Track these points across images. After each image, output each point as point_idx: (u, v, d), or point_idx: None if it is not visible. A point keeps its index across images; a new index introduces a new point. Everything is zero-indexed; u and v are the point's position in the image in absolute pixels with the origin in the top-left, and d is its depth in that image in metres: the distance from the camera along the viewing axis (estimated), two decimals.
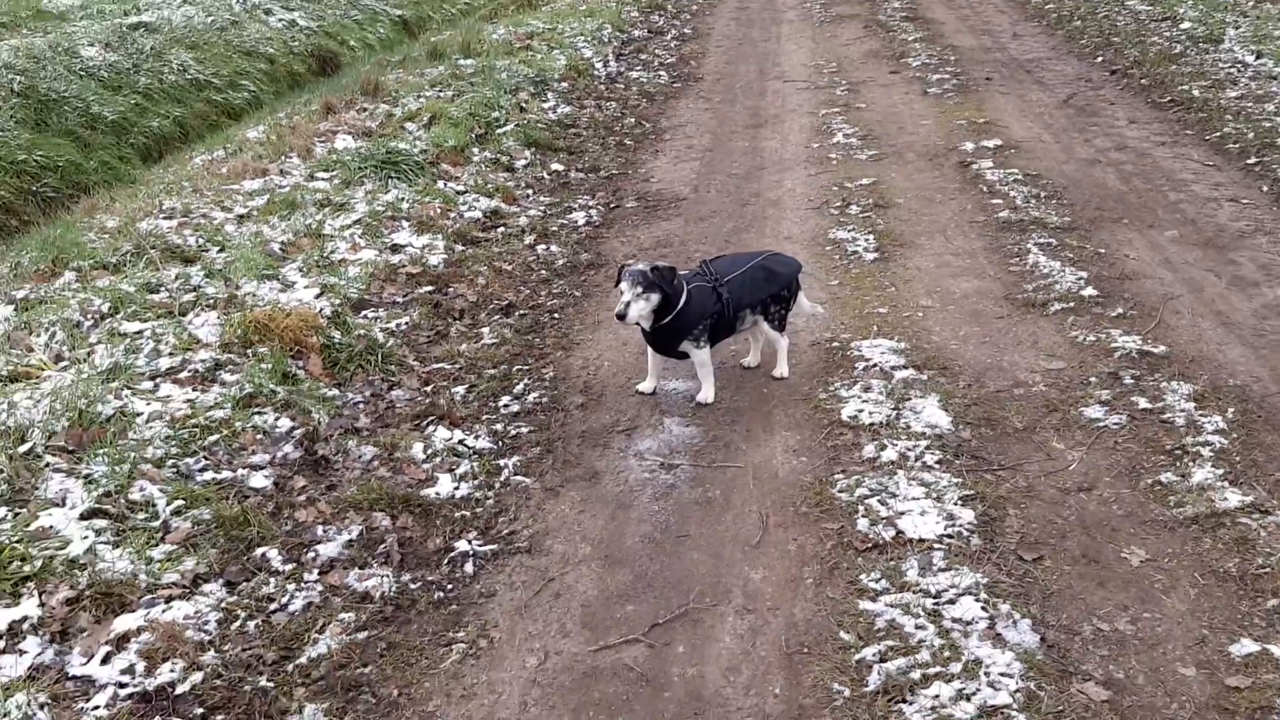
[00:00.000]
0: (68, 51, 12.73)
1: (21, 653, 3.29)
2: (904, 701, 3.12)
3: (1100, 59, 11.18)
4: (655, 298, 4.57)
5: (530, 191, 7.69)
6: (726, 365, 5.23)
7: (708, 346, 4.83)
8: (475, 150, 8.12)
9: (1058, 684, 3.17)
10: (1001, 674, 3.19)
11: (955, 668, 3.21)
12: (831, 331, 5.49)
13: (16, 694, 3.11)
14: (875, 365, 5.10)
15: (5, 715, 3.03)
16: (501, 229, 6.91)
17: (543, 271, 6.41)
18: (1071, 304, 5.64)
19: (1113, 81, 10.32)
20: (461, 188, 7.39)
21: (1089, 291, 5.76)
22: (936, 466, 4.26)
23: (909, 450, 4.37)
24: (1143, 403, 4.65)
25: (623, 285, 4.54)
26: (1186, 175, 7.61)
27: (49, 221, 8.86)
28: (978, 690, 3.13)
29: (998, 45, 12.32)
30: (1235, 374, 4.88)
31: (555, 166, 8.23)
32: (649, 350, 4.95)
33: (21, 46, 12.47)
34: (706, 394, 4.92)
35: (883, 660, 3.28)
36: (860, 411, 4.69)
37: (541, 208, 7.41)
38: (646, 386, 5.04)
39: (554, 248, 6.72)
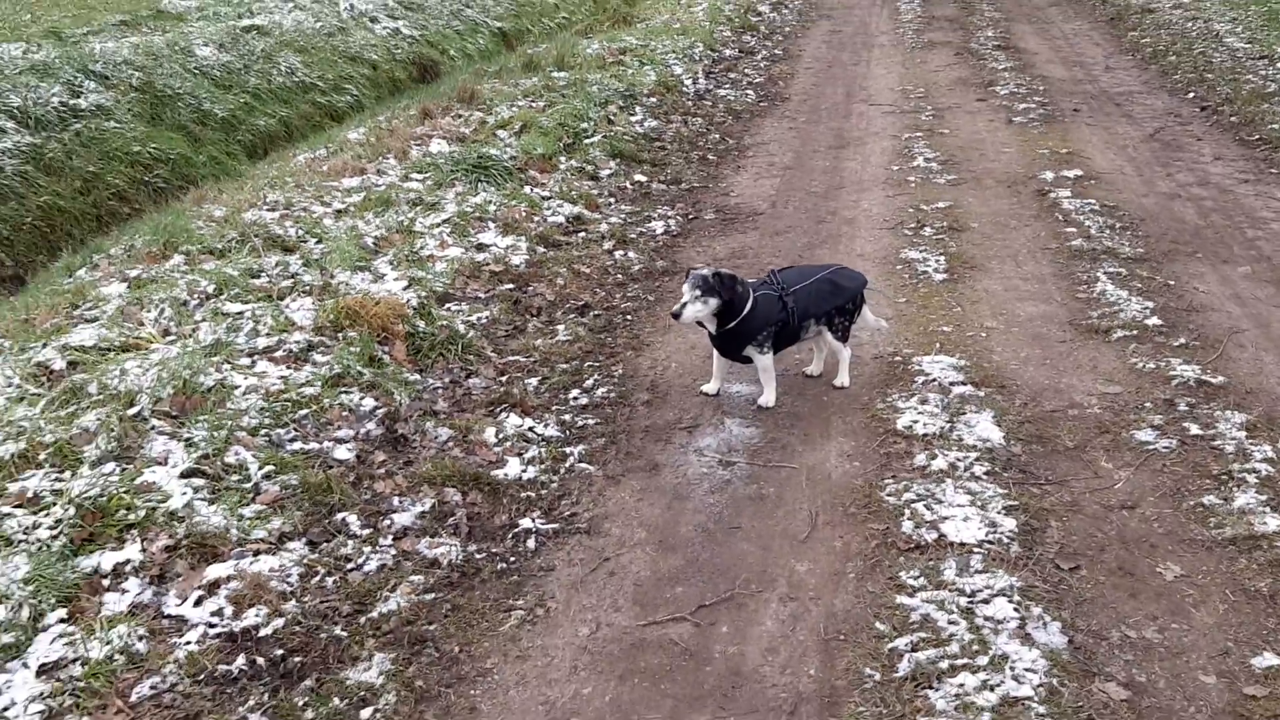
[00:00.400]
0: (184, 51, 13.34)
1: (124, 591, 3.62)
2: (930, 688, 3.30)
3: (1191, 94, 11.14)
4: (713, 302, 4.79)
5: (612, 200, 7.97)
6: (789, 373, 5.43)
7: (771, 352, 5.04)
8: (563, 159, 8.43)
9: (1080, 682, 3.32)
10: (1026, 669, 3.35)
11: (982, 661, 3.38)
12: (895, 346, 5.66)
13: (119, 625, 3.43)
14: (934, 380, 5.26)
15: (108, 644, 3.36)
16: (582, 234, 7.20)
17: (619, 276, 6.67)
18: (1135, 332, 5.73)
19: (1202, 118, 10.30)
20: (547, 193, 7.70)
21: (1154, 321, 5.85)
22: (984, 477, 4.41)
23: (959, 461, 4.53)
24: (1194, 429, 4.75)
25: (684, 287, 4.78)
26: (1267, 213, 7.62)
27: (158, 210, 9.37)
28: (1002, 682, 3.29)
29: (1089, 77, 12.32)
30: None
31: (638, 177, 8.50)
32: (714, 353, 5.17)
33: (141, 44, 13.11)
34: (768, 398, 5.12)
35: (914, 650, 3.46)
36: (915, 422, 4.86)
37: (622, 216, 7.68)
38: (710, 388, 5.26)
39: (631, 254, 6.98)
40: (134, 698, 3.20)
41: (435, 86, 14.21)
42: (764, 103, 11.45)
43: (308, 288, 5.79)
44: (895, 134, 9.99)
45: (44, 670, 3.24)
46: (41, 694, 3.15)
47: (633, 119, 9.86)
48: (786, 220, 7.72)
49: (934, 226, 7.44)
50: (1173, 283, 6.41)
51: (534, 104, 9.79)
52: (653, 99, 10.59)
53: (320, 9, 16.53)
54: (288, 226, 6.70)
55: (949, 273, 6.65)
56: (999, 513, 4.16)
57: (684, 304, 4.78)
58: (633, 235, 7.33)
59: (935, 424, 4.83)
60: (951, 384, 5.21)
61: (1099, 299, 6.19)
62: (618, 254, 6.97)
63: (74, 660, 3.29)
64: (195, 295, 5.67)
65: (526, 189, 7.68)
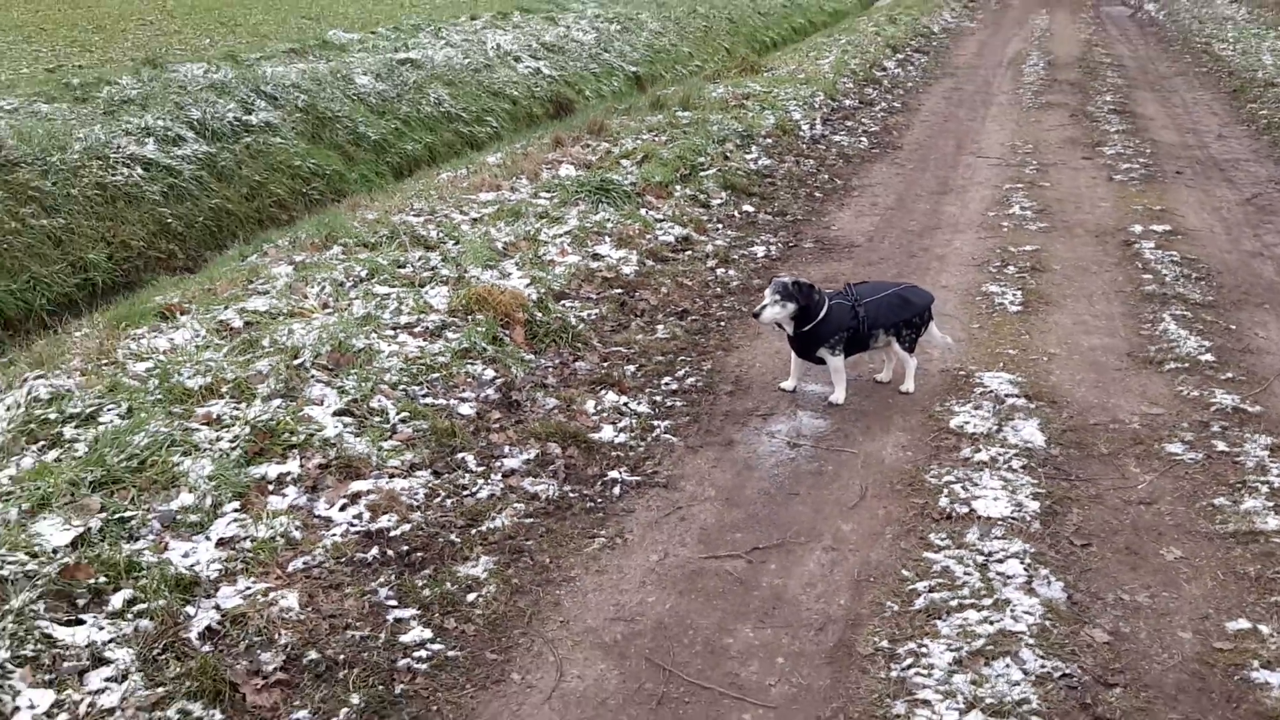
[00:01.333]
0: (344, 78, 14.60)
1: (284, 494, 4.46)
2: (939, 619, 3.91)
3: None
4: (791, 306, 5.46)
5: (720, 226, 8.72)
6: (861, 378, 6.06)
7: (842, 355, 5.69)
8: (678, 187, 9.22)
9: (1070, 627, 3.89)
10: (1024, 612, 3.93)
11: (987, 603, 3.98)
12: (960, 363, 6.25)
13: (280, 517, 4.26)
14: (991, 392, 5.84)
15: (270, 529, 4.19)
16: (689, 253, 7.95)
17: (718, 289, 7.40)
18: (1186, 365, 6.21)
19: None
20: (660, 216, 8.49)
21: (1207, 357, 6.32)
22: (1020, 470, 4.99)
23: (999, 455, 5.12)
24: (1221, 446, 5.24)
25: (766, 291, 5.48)
26: None
27: (313, 218, 10.45)
28: (1000, 620, 3.88)
29: (1199, 144, 12.65)
30: None
31: (746, 208, 9.24)
32: (793, 354, 5.85)
33: (307, 70, 14.41)
34: (838, 395, 5.77)
35: (931, 591, 4.07)
36: (967, 423, 5.45)
37: (727, 239, 8.42)
38: (788, 384, 5.93)
39: (732, 272, 7.71)
40: (290, 569, 4.02)
41: (568, 121, 15.20)
42: (876, 149, 12.10)
43: (444, 279, 6.66)
44: (997, 184, 10.53)
45: (222, 543, 4.08)
46: (220, 559, 3.98)
47: (748, 156, 10.62)
48: (880, 253, 8.36)
49: (1017, 266, 7.99)
50: (1234, 328, 6.85)
51: (657, 138, 10.63)
52: (769, 140, 11.34)
53: (469, 47, 17.74)
54: (430, 229, 7.62)
55: (1024, 305, 7.20)
56: (1027, 497, 4.74)
57: (764, 305, 5.48)
58: (735, 256, 8.05)
59: (985, 426, 5.42)
60: (1006, 396, 5.78)
61: (1159, 336, 6.68)
62: (719, 271, 7.70)
63: (244, 538, 4.12)
64: (350, 278, 6.59)
65: (642, 211, 8.49)
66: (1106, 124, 13.54)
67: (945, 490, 4.81)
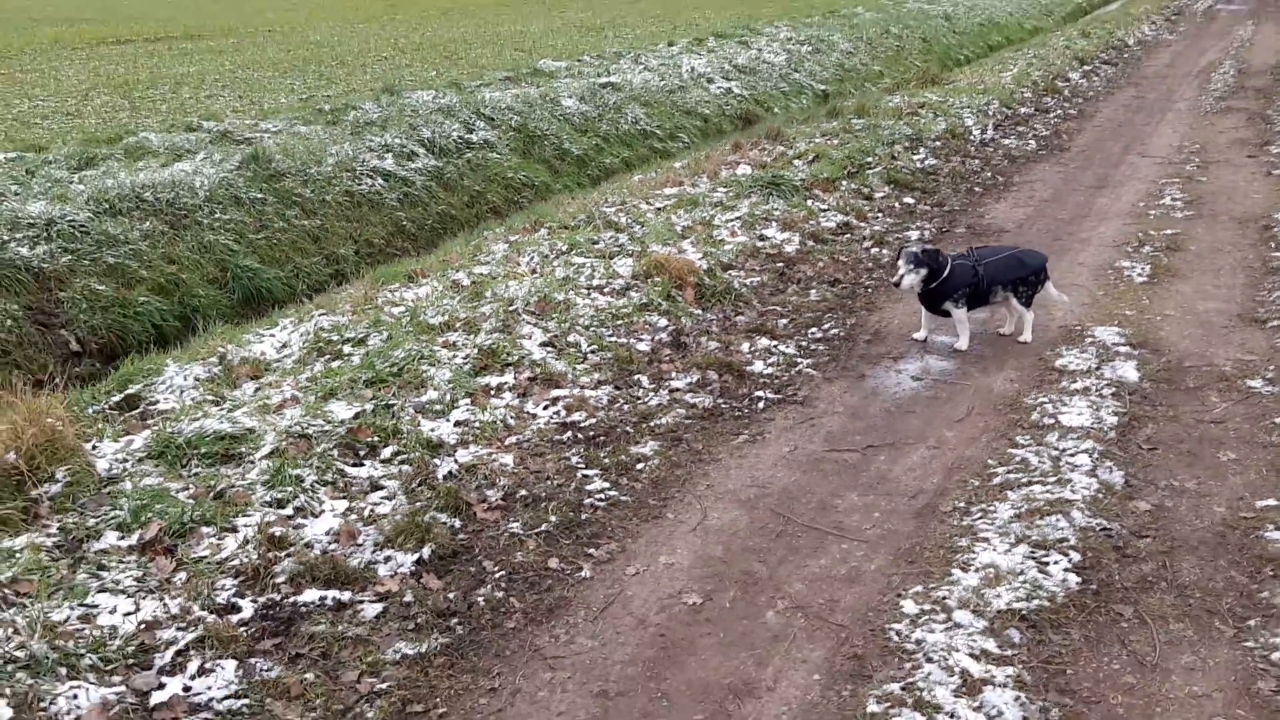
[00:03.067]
0: (552, 101, 16.23)
1: (502, 396, 5.80)
2: (1010, 491, 4.88)
3: None
4: (924, 271, 6.48)
5: (880, 214, 9.74)
6: (986, 332, 6.99)
7: (965, 308, 6.66)
8: (844, 182, 10.28)
9: (1119, 499, 4.80)
10: (1083, 488, 4.86)
11: (1051, 480, 4.92)
12: (1079, 320, 7.09)
13: (499, 410, 5.60)
14: (1100, 341, 6.68)
15: (492, 417, 5.52)
16: (847, 236, 9.01)
17: (869, 264, 8.42)
18: None
19: None
20: (825, 206, 9.57)
21: None
22: (1109, 397, 5.86)
23: (1094, 385, 5.99)
24: None
25: (900, 262, 6.51)
26: None
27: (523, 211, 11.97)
28: (1061, 492, 4.82)
29: None
30: None
31: (907, 200, 10.21)
32: (922, 309, 6.85)
33: (520, 95, 16.11)
34: (963, 343, 6.73)
35: (1008, 473, 5.04)
36: (1071, 363, 6.34)
37: (885, 225, 9.43)
38: (920, 335, 6.93)
39: (885, 251, 8.72)
40: (506, 442, 5.34)
41: (751, 131, 16.39)
42: (1043, 151, 12.79)
43: (630, 253, 7.96)
44: (1154, 179, 11.11)
45: (458, 424, 5.43)
46: (457, 433, 5.33)
47: (915, 157, 11.56)
48: (1027, 237, 9.18)
49: (1154, 246, 8.68)
50: None
51: (829, 141, 11.71)
52: (937, 143, 12.24)
53: (665, 71, 19.19)
54: (620, 216, 8.95)
55: (1150, 278, 7.94)
56: (1109, 414, 5.62)
57: (901, 275, 6.51)
58: (890, 239, 9.05)
59: (1087, 365, 6.29)
60: (1113, 344, 6.62)
61: (1273, 302, 7.32)
62: (873, 250, 8.72)
63: (474, 422, 5.46)
64: (553, 251, 7.97)
65: (809, 202, 9.59)
66: None
67: (1038, 408, 5.74)
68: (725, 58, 20.78)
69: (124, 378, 5.93)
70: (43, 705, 3.41)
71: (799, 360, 6.57)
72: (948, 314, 6.71)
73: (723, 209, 9.18)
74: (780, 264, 8.18)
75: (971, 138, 12.91)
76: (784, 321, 7.17)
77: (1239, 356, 6.41)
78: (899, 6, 30.88)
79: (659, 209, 9.26)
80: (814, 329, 7.08)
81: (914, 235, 9.25)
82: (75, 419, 5.13)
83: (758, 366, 6.44)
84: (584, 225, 8.68)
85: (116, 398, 5.68)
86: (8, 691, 3.42)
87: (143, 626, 3.83)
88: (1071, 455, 5.18)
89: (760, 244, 8.47)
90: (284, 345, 6.33)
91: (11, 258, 8.89)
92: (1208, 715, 3.54)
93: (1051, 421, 5.56)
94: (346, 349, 6.13)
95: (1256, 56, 21.39)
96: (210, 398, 5.60)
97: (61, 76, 19.73)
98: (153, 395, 5.69)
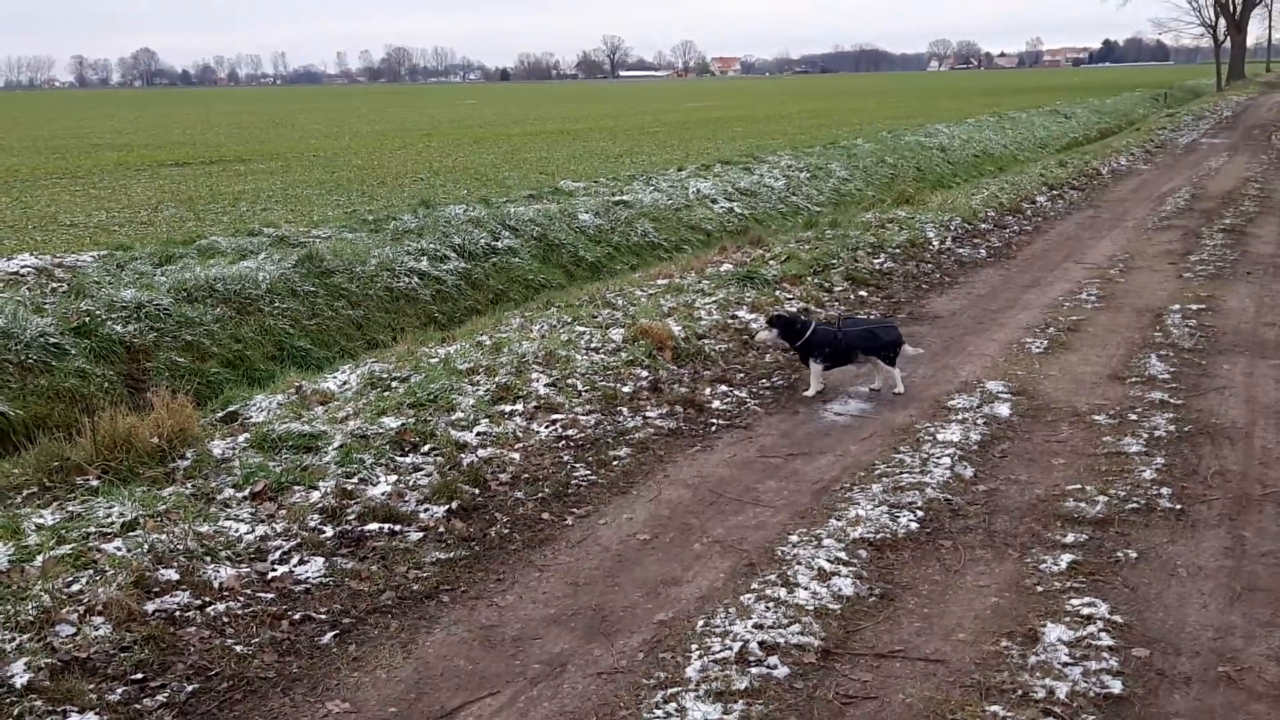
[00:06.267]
0: (569, 215, 18.32)
1: (514, 419, 7.58)
2: (885, 478, 6.60)
3: None
4: (775, 330, 8.34)
5: (836, 303, 11.60)
6: (910, 378, 8.74)
7: (822, 364, 8.41)
8: (810, 278, 12.18)
9: (965, 484, 6.50)
10: (939, 475, 6.56)
11: (917, 472, 6.64)
12: (977, 377, 8.85)
13: (510, 425, 7.39)
14: (988, 390, 8.44)
15: (506, 430, 7.30)
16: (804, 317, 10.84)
17: None
18: (1147, 380, 8.61)
19: None
20: (790, 296, 11.45)
21: (1164, 376, 8.69)
22: (981, 424, 7.60)
23: (971, 418, 7.74)
24: (1132, 417, 7.67)
25: (764, 322, 8.36)
26: None
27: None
28: (921, 479, 6.53)
29: None
30: (1213, 416, 7.71)
31: (861, 293, 12.09)
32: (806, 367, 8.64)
33: (541, 209, 18.21)
34: (812, 390, 8.47)
35: (887, 468, 6.76)
36: (959, 403, 8.09)
37: (839, 311, 11.28)
38: (810, 392, 8.65)
39: None
40: (515, 447, 7.11)
41: (740, 239, 18.38)
42: (991, 259, 14.71)
43: (622, 324, 9.82)
44: (1080, 280, 12.96)
45: (479, 434, 7.21)
46: (478, 440, 7.11)
47: (875, 260, 13.48)
48: (957, 321, 11.01)
49: (1057, 328, 10.49)
50: (1204, 363, 9.15)
51: (802, 247, 13.66)
52: (897, 250, 14.17)
53: (673, 191, 21.37)
54: (618, 299, 10.86)
55: (1046, 349, 9.72)
56: (976, 434, 7.36)
57: (756, 331, 8.38)
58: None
59: (971, 404, 8.05)
60: (997, 392, 8.37)
61: (1140, 368, 9.06)
62: None
63: (491, 433, 7.24)
64: (560, 322, 9.86)
65: (776, 292, 11.48)
66: (1209, 240, 15.64)
67: (923, 431, 7.49)
68: (729, 181, 22.98)
69: (225, 400, 7.78)
70: (201, 575, 5.15)
71: (748, 400, 8.36)
72: (806, 364, 8.50)
73: (703, 295, 11.08)
74: (745, 336, 10.01)
75: (930, 247, 14.85)
76: (741, 375, 8.98)
77: (1095, 402, 8.15)
78: (897, 139, 33.22)
79: (650, 294, 11.17)
80: (764, 380, 8.88)
81: (861, 318, 11.08)
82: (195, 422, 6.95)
83: (715, 404, 8.23)
84: (587, 304, 10.58)
85: (220, 414, 7.52)
86: (176, 563, 5.17)
87: (259, 539, 5.58)
88: (938, 458, 6.91)
89: (731, 321, 10.33)
90: (344, 383, 8.18)
91: (109, 333, 10.80)
92: (985, 596, 5.20)
93: (930, 438, 7.31)
94: (394, 384, 7.96)
95: (1215, 184, 23.42)
96: (291, 415, 7.42)
97: (131, 193, 22.12)
98: (248, 413, 7.52)
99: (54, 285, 12.01)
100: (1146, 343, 9.87)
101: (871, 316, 9.22)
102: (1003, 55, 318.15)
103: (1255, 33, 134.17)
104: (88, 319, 10.61)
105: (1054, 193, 21.64)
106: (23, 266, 12.56)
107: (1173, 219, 18.08)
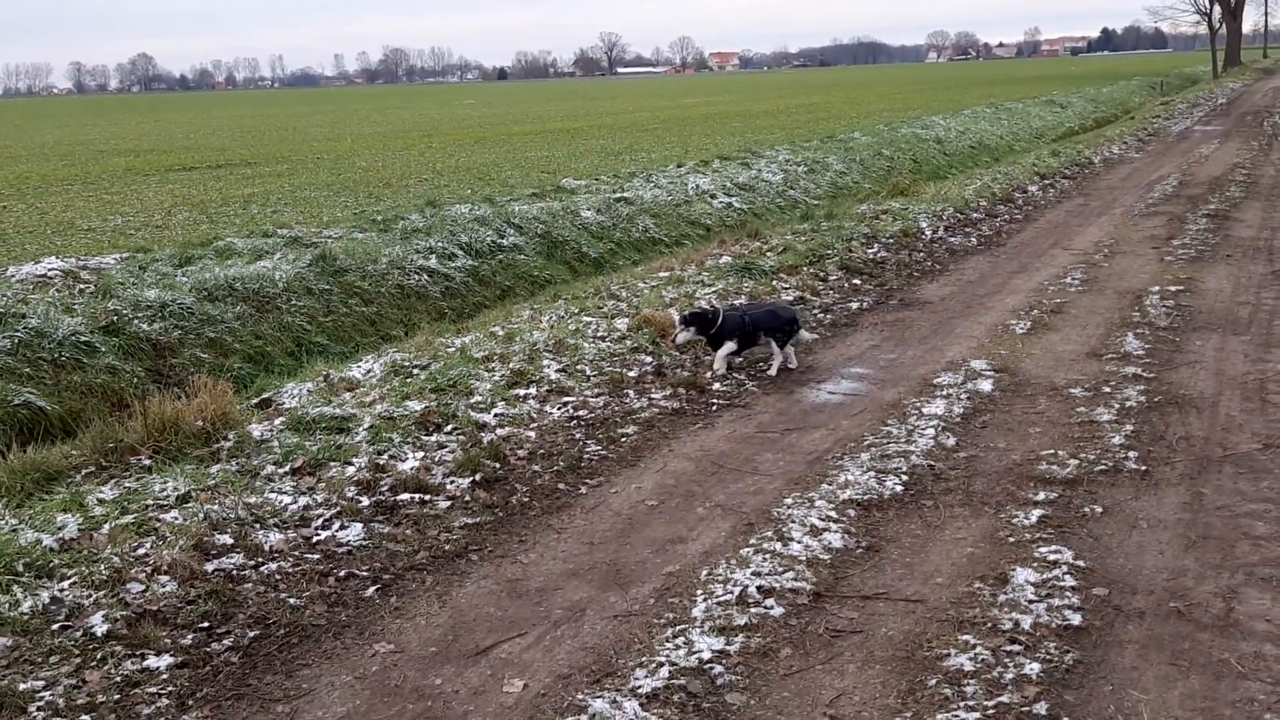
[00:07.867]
0: (572, 213, 18.86)
1: (527, 401, 8.13)
2: (874, 447, 7.14)
3: None
4: (693, 328, 8.89)
5: (831, 291, 12.14)
6: (895, 363, 9.29)
7: (732, 345, 8.94)
8: (806, 268, 12.72)
9: (948, 452, 7.05)
10: (923, 444, 7.11)
11: (903, 442, 7.19)
12: (963, 357, 9.39)
13: (525, 407, 7.93)
14: (972, 368, 8.97)
15: (521, 411, 7.85)
16: (801, 305, 11.40)
17: (815, 324, 10.78)
18: (1123, 356, 9.15)
19: None
20: (787, 285, 11.99)
21: (1139, 353, 9.23)
22: (965, 399, 8.14)
23: (955, 393, 8.27)
24: (1106, 389, 8.21)
25: (679, 322, 8.91)
26: None
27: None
28: (907, 447, 7.08)
29: (1270, 238, 15.09)
30: (1181, 388, 8.25)
31: (855, 281, 12.63)
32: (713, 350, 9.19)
33: (545, 208, 18.74)
34: (718, 368, 8.99)
35: (876, 439, 7.30)
36: (944, 380, 8.63)
37: (833, 298, 11.82)
38: (718, 369, 9.17)
39: (830, 315, 11.09)
40: (530, 425, 7.65)
41: (738, 232, 18.92)
42: (981, 247, 15.24)
43: (626, 314, 10.37)
44: (1065, 265, 13.50)
45: (496, 414, 7.76)
46: (495, 420, 7.65)
47: (869, 250, 14.02)
48: (946, 306, 11.54)
49: (1041, 310, 11.02)
50: (1177, 340, 9.69)
51: (799, 239, 14.20)
52: (890, 240, 14.71)
53: (673, 188, 21.91)
54: (622, 291, 11.40)
55: (1029, 330, 10.26)
56: (959, 408, 7.90)
57: (677, 334, 8.94)
58: (834, 308, 11.43)
59: (955, 381, 8.59)
60: (981, 370, 8.91)
61: (1118, 345, 9.59)
62: (821, 316, 11.10)
63: (508, 414, 7.79)
64: (568, 313, 10.41)
65: (773, 282, 12.02)
66: (1193, 225, 16.17)
67: (910, 406, 8.03)
68: (728, 177, 23.50)
69: (259, 388, 8.34)
70: (253, 539, 5.71)
71: (747, 382, 8.91)
72: (718, 347, 9.05)
73: (703, 285, 11.63)
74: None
75: (923, 236, 15.38)
76: (739, 360, 9.51)
77: (1072, 377, 8.68)
78: (894, 132, 33.73)
79: (652, 286, 11.71)
80: (762, 363, 9.42)
81: (854, 305, 11.63)
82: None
83: (716, 386, 8.77)
84: (592, 296, 11.13)
85: (255, 401, 8.08)
86: (229, 530, 5.72)
87: (302, 508, 6.14)
88: (923, 430, 7.46)
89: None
90: (368, 371, 8.73)
91: (136, 331, 11.33)
92: (962, 547, 5.75)
93: (916, 412, 7.85)
94: (415, 371, 8.51)
95: (1204, 170, 23.92)
96: (321, 400, 7.97)
97: (143, 197, 22.69)
98: (281, 399, 8.07)
99: (80, 286, 12.54)
100: (1125, 322, 10.41)
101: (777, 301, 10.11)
102: (1001, 45, 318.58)
103: (1253, 19, 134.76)
104: (115, 318, 11.14)
105: (1045, 182, 22.14)
106: (50, 269, 13.10)
107: (1159, 205, 18.60)
